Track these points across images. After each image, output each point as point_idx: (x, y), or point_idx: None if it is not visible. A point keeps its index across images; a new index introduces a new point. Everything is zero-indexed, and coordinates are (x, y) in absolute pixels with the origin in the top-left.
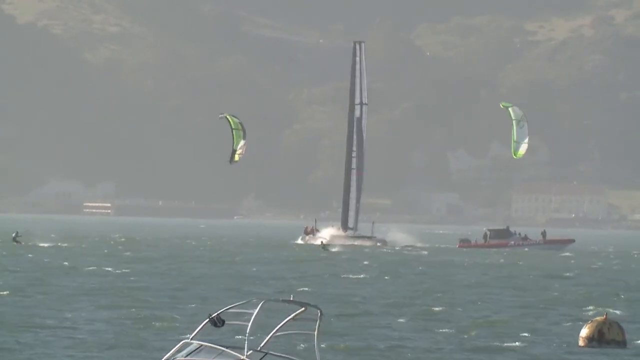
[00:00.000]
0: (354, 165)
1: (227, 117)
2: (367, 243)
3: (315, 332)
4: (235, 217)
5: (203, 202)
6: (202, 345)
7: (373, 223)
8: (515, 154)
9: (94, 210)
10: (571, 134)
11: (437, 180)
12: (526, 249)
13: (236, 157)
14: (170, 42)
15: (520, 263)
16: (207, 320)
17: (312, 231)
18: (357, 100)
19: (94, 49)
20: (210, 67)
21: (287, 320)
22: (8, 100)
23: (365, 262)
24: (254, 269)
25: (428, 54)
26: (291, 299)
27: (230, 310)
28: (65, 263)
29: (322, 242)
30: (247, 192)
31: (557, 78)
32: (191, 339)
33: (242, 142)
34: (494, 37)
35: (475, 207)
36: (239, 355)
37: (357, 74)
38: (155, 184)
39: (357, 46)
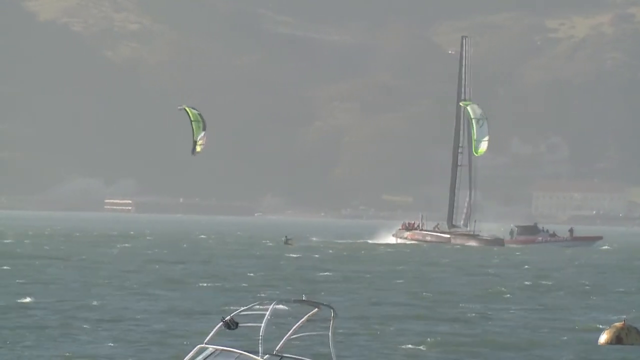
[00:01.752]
0: (460, 162)
1: (186, 108)
2: (477, 243)
3: (330, 333)
4: (255, 214)
5: (223, 200)
6: (217, 349)
7: (475, 221)
8: (475, 152)
9: (114, 207)
10: (591, 132)
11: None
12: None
13: (198, 148)
14: (190, 40)
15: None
16: (221, 323)
17: (412, 227)
18: (462, 96)
19: (115, 47)
20: (230, 64)
21: (302, 322)
22: (29, 98)
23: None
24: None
25: (451, 52)
26: (303, 298)
27: (243, 313)
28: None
29: (285, 236)
30: (267, 190)
31: (576, 75)
32: (206, 343)
33: (202, 134)
34: (514, 35)
35: (495, 204)
36: (256, 358)
37: (463, 69)
38: (176, 181)
39: (464, 41)
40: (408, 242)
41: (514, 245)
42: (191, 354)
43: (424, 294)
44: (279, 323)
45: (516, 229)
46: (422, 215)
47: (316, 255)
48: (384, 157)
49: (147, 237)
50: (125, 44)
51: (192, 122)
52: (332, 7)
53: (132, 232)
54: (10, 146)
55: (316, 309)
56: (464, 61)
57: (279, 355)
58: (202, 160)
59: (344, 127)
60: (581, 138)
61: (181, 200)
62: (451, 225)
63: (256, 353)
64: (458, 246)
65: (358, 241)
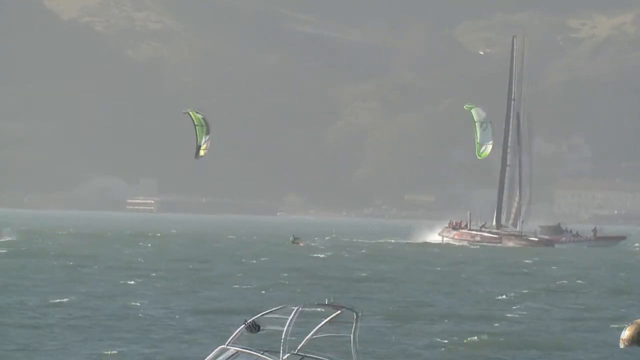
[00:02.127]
0: (509, 162)
1: (190, 113)
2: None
3: (352, 335)
4: (278, 214)
5: (245, 199)
6: (238, 351)
7: (522, 221)
8: (479, 155)
9: (137, 207)
10: (613, 131)
11: (479, 177)
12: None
13: (201, 152)
14: (212, 39)
15: None
16: (243, 326)
17: (459, 226)
18: (512, 95)
19: (136, 46)
20: (251, 64)
21: (324, 323)
22: (51, 97)
23: None
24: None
25: (481, 53)
26: (327, 302)
27: (266, 316)
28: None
29: (292, 236)
30: (289, 189)
31: (599, 75)
32: (227, 344)
33: (205, 138)
34: (536, 34)
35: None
36: None
37: (515, 69)
38: (198, 180)
39: (515, 40)
40: (456, 241)
41: (564, 247)
42: (212, 354)
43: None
44: (301, 324)
45: (539, 229)
46: (469, 214)
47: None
48: (405, 156)
49: (176, 237)
50: (146, 43)
51: (196, 127)
52: (354, 6)
53: (158, 234)
54: (33, 146)
55: (339, 312)
56: (514, 60)
57: (300, 355)
58: (224, 159)
59: (366, 126)
60: (603, 137)
61: (203, 199)
62: (499, 225)
63: (277, 354)
64: (511, 246)
65: (401, 241)
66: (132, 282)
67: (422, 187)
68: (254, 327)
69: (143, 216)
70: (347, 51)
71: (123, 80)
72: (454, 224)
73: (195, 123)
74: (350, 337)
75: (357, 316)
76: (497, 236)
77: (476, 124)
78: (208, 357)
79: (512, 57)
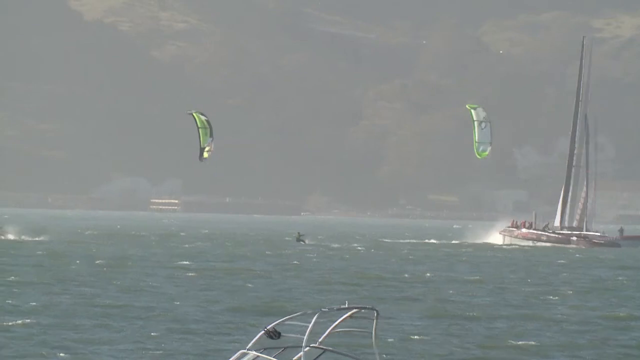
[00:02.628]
0: (575, 162)
1: (194, 115)
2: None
3: (372, 332)
4: (302, 214)
5: (270, 199)
6: (259, 356)
7: (586, 221)
8: (478, 155)
9: (161, 207)
10: (637, 131)
11: (503, 177)
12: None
13: (205, 155)
14: (237, 38)
15: None
16: (263, 331)
17: (523, 225)
18: (580, 97)
19: (161, 46)
20: (276, 63)
21: (344, 318)
22: (75, 97)
23: None
24: None
25: (501, 52)
26: (346, 305)
27: (285, 323)
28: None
29: (298, 233)
30: (313, 189)
31: (623, 75)
32: (247, 349)
33: (209, 140)
34: (560, 34)
35: (542, 203)
36: None
37: (585, 70)
38: (222, 180)
39: (584, 41)
40: (521, 242)
41: (629, 248)
42: (233, 358)
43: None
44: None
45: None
46: (535, 214)
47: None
48: (429, 156)
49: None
50: (171, 43)
51: (199, 129)
52: (379, 6)
53: (183, 233)
54: (58, 145)
55: (357, 309)
56: (583, 61)
57: (321, 348)
58: (248, 159)
59: (390, 126)
60: (627, 137)
61: (227, 199)
62: (563, 225)
63: (297, 351)
64: (583, 248)
65: (453, 242)
66: (174, 283)
67: (446, 187)
68: (274, 334)
69: (167, 216)
70: (371, 51)
71: (148, 80)
72: (517, 223)
73: (199, 125)
74: (370, 333)
75: (377, 314)
76: (564, 237)
77: (475, 123)
78: None
79: (581, 57)
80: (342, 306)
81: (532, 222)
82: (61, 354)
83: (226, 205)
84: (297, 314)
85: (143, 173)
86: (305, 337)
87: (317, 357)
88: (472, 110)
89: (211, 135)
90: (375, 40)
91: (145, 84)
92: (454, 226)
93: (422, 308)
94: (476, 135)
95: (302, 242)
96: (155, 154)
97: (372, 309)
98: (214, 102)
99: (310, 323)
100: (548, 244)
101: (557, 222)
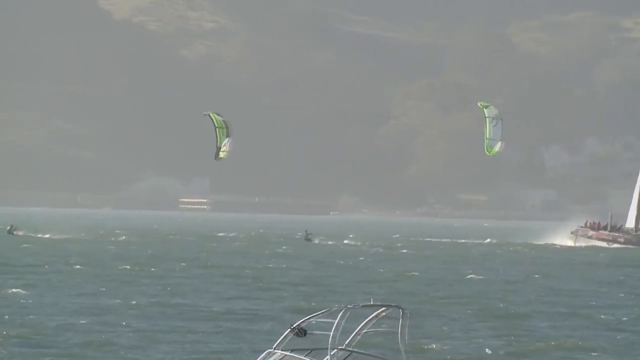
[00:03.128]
0: None
1: (211, 115)
2: None
3: (399, 331)
4: (331, 213)
5: (299, 198)
6: (285, 355)
7: None
8: (489, 152)
9: (190, 206)
10: None
11: (532, 176)
12: None
13: (221, 154)
14: (265, 38)
15: None
16: (289, 330)
17: (597, 226)
18: None
19: (190, 45)
20: (304, 63)
21: (371, 318)
22: (104, 97)
23: None
24: None
25: (527, 51)
26: (372, 302)
27: (312, 320)
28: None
29: (305, 231)
30: (342, 188)
31: None
32: (274, 348)
33: (226, 140)
34: (588, 34)
35: (570, 202)
36: None
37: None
38: (250, 179)
39: (613, 40)
40: (596, 243)
41: None
42: (260, 358)
43: None
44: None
45: None
46: (610, 215)
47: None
48: (458, 155)
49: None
50: (200, 42)
51: (217, 129)
52: (407, 6)
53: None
54: (87, 145)
55: (384, 309)
56: (611, 60)
57: (348, 350)
58: (277, 158)
59: (419, 125)
60: None
61: (256, 199)
62: (638, 227)
63: (324, 354)
64: None
65: (517, 241)
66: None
67: (475, 187)
68: (300, 332)
69: (198, 215)
70: (399, 51)
71: (177, 80)
72: (591, 224)
73: (216, 125)
74: (397, 332)
75: (403, 313)
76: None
77: (487, 119)
78: None
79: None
80: (368, 303)
81: (607, 223)
82: (113, 351)
83: (255, 205)
84: (323, 311)
85: (172, 173)
86: (331, 335)
87: (345, 358)
88: (484, 109)
89: (228, 135)
90: (403, 40)
91: (174, 83)
92: (484, 225)
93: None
94: (487, 132)
95: (309, 241)
96: (184, 153)
97: (398, 307)
98: (242, 101)
99: (336, 320)
100: (629, 246)
101: (630, 224)
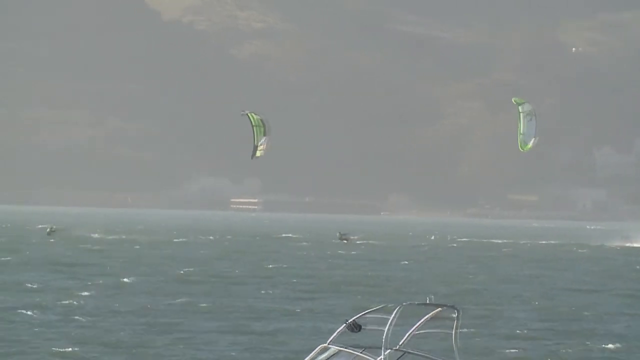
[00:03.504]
0: None
1: (249, 114)
2: None
3: (454, 331)
4: (381, 214)
5: (348, 199)
6: (340, 349)
7: None
8: (523, 147)
9: (241, 206)
10: None
11: (582, 177)
12: None
13: (258, 153)
14: (315, 38)
15: None
16: (344, 325)
17: None
18: None
19: (239, 45)
20: (355, 63)
21: (425, 320)
22: (154, 97)
23: None
24: None
25: (574, 50)
26: (428, 302)
27: (367, 316)
28: None
29: (339, 232)
30: (392, 189)
31: None
32: (328, 343)
33: (263, 139)
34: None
35: (621, 203)
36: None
37: None
38: (301, 179)
39: None
40: None
41: None
42: (313, 353)
43: None
44: (403, 322)
45: None
46: None
47: None
48: (508, 156)
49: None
50: (249, 41)
51: (254, 127)
52: (458, 5)
53: (288, 234)
54: (139, 145)
55: (439, 309)
56: None
57: (401, 351)
58: (328, 158)
59: (469, 125)
60: None
61: (307, 199)
62: None
63: (378, 352)
64: None
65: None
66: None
67: (525, 187)
68: (355, 327)
69: (249, 216)
70: (449, 51)
71: (226, 79)
72: None
73: (253, 124)
74: (452, 333)
75: (458, 313)
76: None
77: (521, 115)
78: (310, 355)
79: None
80: (424, 302)
81: None
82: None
83: (305, 205)
84: (379, 307)
85: (223, 173)
86: (385, 333)
87: (399, 358)
88: (519, 105)
89: (265, 134)
90: (453, 40)
91: (223, 82)
92: (533, 224)
93: None
94: (522, 127)
95: (344, 241)
96: (236, 153)
97: (454, 307)
98: (291, 100)
99: (391, 317)
100: None
101: None
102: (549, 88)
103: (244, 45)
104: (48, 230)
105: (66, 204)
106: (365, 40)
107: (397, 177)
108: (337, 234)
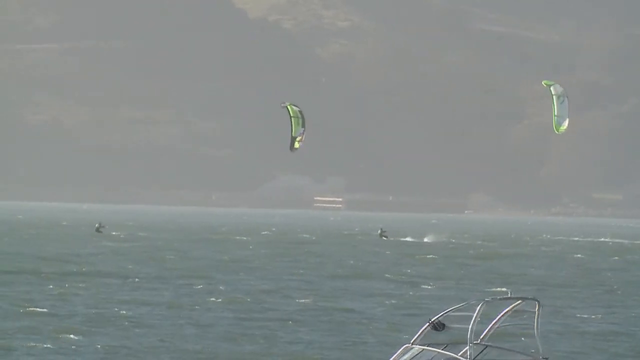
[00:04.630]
0: None
1: (288, 106)
2: None
3: (535, 323)
4: (465, 212)
5: (432, 197)
6: (423, 349)
7: None
8: (557, 129)
9: (324, 205)
10: None
11: None
12: None
13: (296, 145)
14: (399, 37)
15: None
16: (428, 324)
17: None
18: None
19: (325, 44)
20: (439, 62)
21: (506, 313)
22: (240, 96)
23: None
24: None
25: None
26: (509, 295)
27: (450, 314)
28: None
29: (380, 229)
30: (476, 187)
31: None
32: (412, 343)
33: (301, 130)
34: None
35: None
36: (459, 359)
37: None
38: (384, 178)
39: None
40: None
41: None
42: (397, 353)
43: None
44: (484, 318)
45: None
46: None
47: None
48: (592, 155)
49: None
50: (334, 40)
51: (292, 118)
52: (542, 5)
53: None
54: (222, 144)
55: (520, 302)
56: None
57: (483, 344)
58: (411, 157)
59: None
60: None
61: (390, 198)
62: None
63: (460, 348)
64: None
65: None
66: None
67: (609, 186)
68: (439, 326)
69: (332, 215)
70: (534, 49)
71: (311, 78)
72: None
73: (291, 115)
74: (533, 325)
75: (538, 305)
76: None
77: (554, 97)
78: (394, 356)
79: None
80: (505, 296)
81: None
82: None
83: (389, 204)
84: (462, 304)
85: (307, 171)
86: (469, 329)
87: (481, 352)
88: (550, 87)
89: (303, 126)
90: (537, 38)
91: (309, 81)
92: (618, 223)
93: None
94: (555, 109)
95: (384, 238)
96: (319, 152)
97: (534, 299)
98: (376, 99)
99: (474, 314)
100: None
101: None
102: (633, 87)
103: (329, 44)
104: (97, 226)
105: (149, 202)
106: (450, 39)
107: (481, 176)
108: (379, 231)
